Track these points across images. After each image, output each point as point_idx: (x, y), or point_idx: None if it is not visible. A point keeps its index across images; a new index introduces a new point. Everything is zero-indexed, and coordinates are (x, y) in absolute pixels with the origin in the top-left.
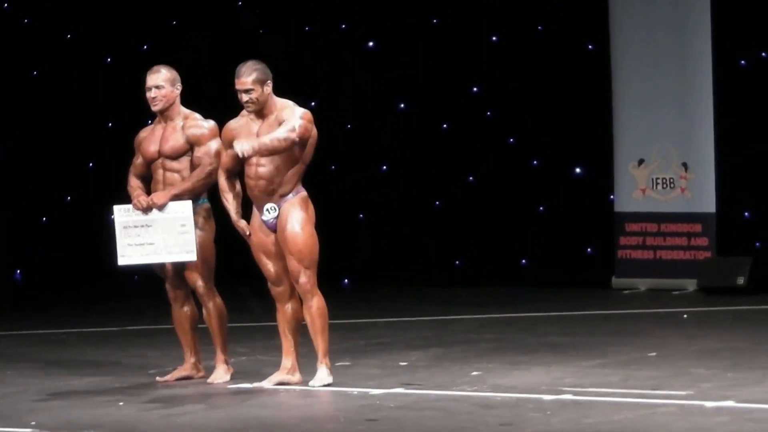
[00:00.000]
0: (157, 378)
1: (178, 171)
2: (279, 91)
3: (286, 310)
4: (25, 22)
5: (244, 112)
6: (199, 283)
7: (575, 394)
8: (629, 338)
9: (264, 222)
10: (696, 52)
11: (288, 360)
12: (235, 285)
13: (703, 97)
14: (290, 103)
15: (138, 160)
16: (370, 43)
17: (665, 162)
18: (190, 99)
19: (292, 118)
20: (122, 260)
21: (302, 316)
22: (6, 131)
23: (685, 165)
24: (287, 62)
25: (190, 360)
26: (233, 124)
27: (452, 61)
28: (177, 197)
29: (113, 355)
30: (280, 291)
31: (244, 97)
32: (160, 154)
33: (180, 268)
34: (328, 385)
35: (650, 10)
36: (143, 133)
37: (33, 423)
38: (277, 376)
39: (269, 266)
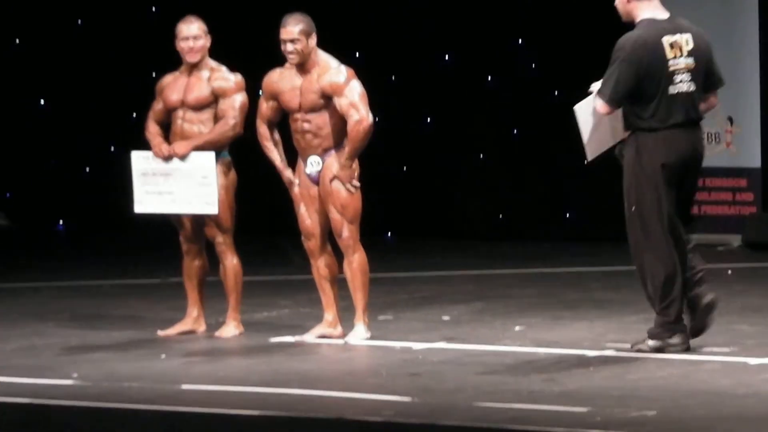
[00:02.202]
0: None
1: (198, 122)
2: (325, 45)
3: (319, 265)
4: None
5: (286, 65)
6: (219, 239)
7: (618, 349)
8: None
9: (308, 175)
10: (741, 6)
11: (329, 313)
12: (254, 239)
13: (749, 48)
14: (334, 62)
15: (158, 106)
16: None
17: (710, 115)
18: (226, 52)
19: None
20: (139, 207)
21: (336, 270)
22: (49, 81)
23: (730, 119)
24: (334, 14)
25: (192, 314)
26: (275, 75)
27: (497, 11)
28: (199, 149)
29: (154, 308)
30: (312, 245)
31: (289, 47)
32: (183, 103)
33: (198, 220)
34: (366, 339)
35: None
36: (167, 79)
37: (75, 375)
38: (319, 329)
39: (306, 219)
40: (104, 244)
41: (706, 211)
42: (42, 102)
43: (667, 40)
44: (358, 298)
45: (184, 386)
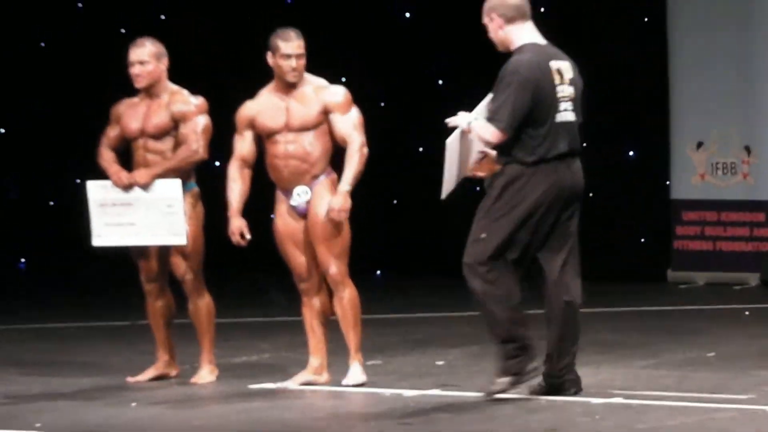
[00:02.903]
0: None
1: (161, 152)
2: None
3: (313, 304)
4: None
5: (263, 91)
6: (188, 276)
7: (626, 397)
8: (685, 337)
9: (294, 207)
10: (759, 29)
11: (316, 358)
12: (228, 277)
13: (766, 76)
14: (323, 81)
15: (113, 132)
16: (407, 14)
17: (726, 145)
18: (201, 75)
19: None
20: (97, 240)
21: (330, 310)
22: (12, 109)
23: (747, 148)
24: (321, 38)
25: (163, 358)
26: (252, 104)
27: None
28: (161, 176)
29: (123, 352)
30: (307, 286)
31: (293, 63)
32: (143, 132)
33: (163, 255)
34: (362, 384)
35: None
36: (122, 106)
37: (38, 425)
38: (303, 376)
39: (297, 257)
40: (69, 282)
41: (721, 248)
42: (2, 131)
43: (553, 65)
44: (351, 337)
45: None
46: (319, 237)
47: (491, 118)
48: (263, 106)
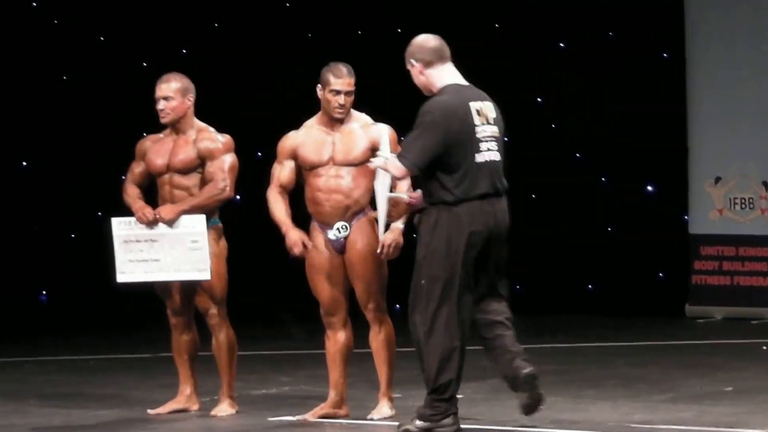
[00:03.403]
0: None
1: (186, 188)
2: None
3: (338, 338)
4: (54, 23)
5: (308, 122)
6: (212, 311)
7: (645, 431)
8: (704, 371)
9: (331, 241)
10: None
11: (335, 393)
12: (249, 310)
13: None
14: (368, 118)
15: (138, 168)
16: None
17: (744, 180)
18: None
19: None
20: (122, 277)
21: (352, 345)
22: (32, 141)
23: (765, 184)
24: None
25: (185, 392)
26: (296, 134)
27: (516, 68)
28: (186, 213)
29: (143, 385)
30: (336, 319)
31: (341, 100)
32: (169, 168)
33: (188, 290)
34: (389, 417)
35: (729, 17)
36: (148, 142)
37: None
38: (322, 410)
39: (327, 291)
40: (90, 316)
41: (738, 282)
42: (24, 163)
43: (474, 105)
44: (383, 373)
45: None
46: (359, 273)
47: (400, 155)
48: (308, 138)
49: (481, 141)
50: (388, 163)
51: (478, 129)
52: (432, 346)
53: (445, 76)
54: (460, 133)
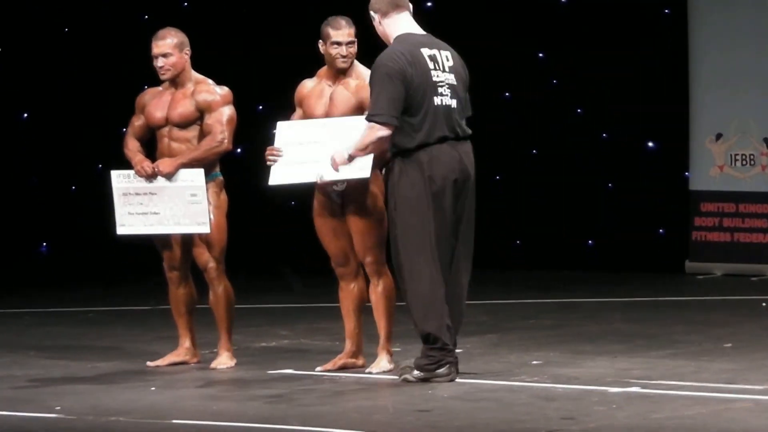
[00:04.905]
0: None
1: (185, 141)
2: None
3: (351, 289)
4: None
5: (320, 72)
6: (211, 264)
7: (643, 386)
8: (702, 327)
9: (331, 193)
10: None
11: (352, 343)
12: (247, 263)
13: None
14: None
15: (138, 122)
16: (429, 3)
17: (745, 137)
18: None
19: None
20: (122, 230)
21: (366, 295)
22: (33, 94)
23: (766, 140)
24: None
25: (184, 344)
26: (307, 83)
27: (517, 24)
28: (185, 167)
29: (142, 337)
30: (346, 270)
31: (344, 51)
32: (168, 121)
33: (186, 243)
34: (388, 371)
35: None
36: (148, 95)
37: (57, 408)
38: (340, 360)
39: (333, 242)
40: (89, 268)
41: (739, 239)
42: (25, 115)
43: (426, 51)
44: (382, 326)
45: (175, 421)
46: (356, 227)
47: (371, 116)
48: (313, 91)
49: (437, 86)
50: (361, 138)
51: (432, 74)
52: (413, 295)
53: (400, 25)
54: (415, 76)
